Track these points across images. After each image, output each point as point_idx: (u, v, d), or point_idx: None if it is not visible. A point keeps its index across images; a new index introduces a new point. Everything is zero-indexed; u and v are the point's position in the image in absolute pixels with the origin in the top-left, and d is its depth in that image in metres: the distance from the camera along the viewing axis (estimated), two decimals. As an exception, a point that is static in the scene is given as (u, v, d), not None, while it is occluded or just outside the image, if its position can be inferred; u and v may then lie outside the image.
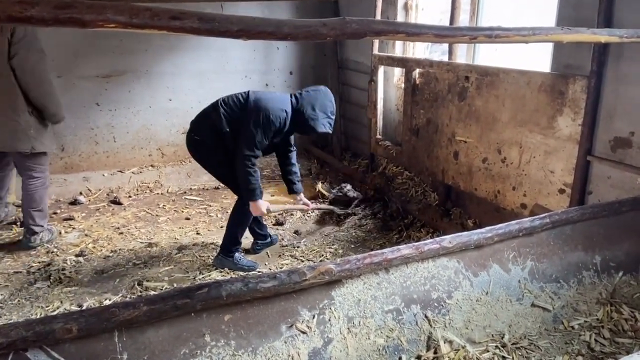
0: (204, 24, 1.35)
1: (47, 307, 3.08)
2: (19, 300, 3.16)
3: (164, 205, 4.95)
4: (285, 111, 3.31)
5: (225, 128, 3.32)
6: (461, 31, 1.92)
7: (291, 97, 3.43)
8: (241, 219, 3.54)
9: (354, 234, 4.27)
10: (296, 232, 4.30)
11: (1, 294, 3.21)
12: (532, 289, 2.24)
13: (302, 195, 3.91)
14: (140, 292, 3.26)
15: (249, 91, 3.43)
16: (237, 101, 3.38)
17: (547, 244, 2.33)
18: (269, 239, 3.99)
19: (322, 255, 3.85)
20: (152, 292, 3.23)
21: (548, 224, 2.30)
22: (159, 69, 5.50)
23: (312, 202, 4.16)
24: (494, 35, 1.89)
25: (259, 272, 3.57)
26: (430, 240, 2.09)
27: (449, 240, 2.09)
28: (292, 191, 3.88)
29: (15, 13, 1.16)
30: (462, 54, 4.15)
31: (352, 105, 5.90)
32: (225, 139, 3.36)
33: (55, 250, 3.89)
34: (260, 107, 3.25)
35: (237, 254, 3.59)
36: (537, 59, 3.54)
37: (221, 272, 3.53)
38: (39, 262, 3.67)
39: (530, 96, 3.27)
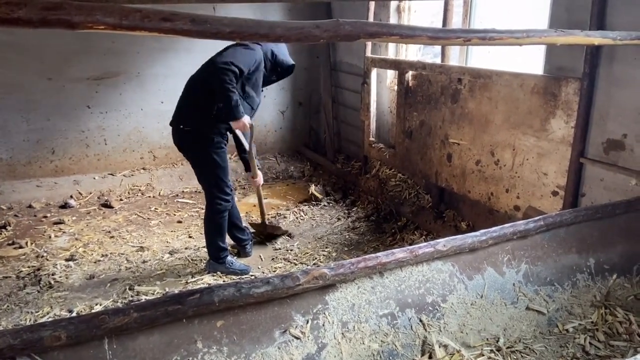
0: (195, 25, 1.33)
1: (36, 312, 3.04)
2: (8, 306, 3.11)
3: (155, 209, 4.90)
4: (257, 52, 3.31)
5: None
6: (455, 33, 1.91)
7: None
8: (215, 226, 3.48)
9: (347, 236, 4.26)
10: (289, 235, 4.28)
11: (-11, 300, 3.17)
12: (526, 292, 2.24)
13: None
14: (132, 296, 3.22)
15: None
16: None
17: (541, 247, 2.33)
18: (252, 237, 3.95)
19: (316, 259, 3.84)
20: (143, 297, 3.20)
21: (542, 227, 2.30)
22: (151, 71, 5.45)
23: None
24: (488, 37, 1.89)
25: (252, 276, 3.55)
26: (425, 243, 2.08)
27: (443, 243, 2.08)
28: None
29: (2, 15, 1.14)
30: (455, 56, 4.15)
31: (345, 107, 5.89)
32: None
33: (45, 254, 3.85)
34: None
35: (229, 258, 3.56)
36: (530, 61, 3.55)
37: (213, 276, 3.50)
38: (29, 267, 3.62)
39: (523, 98, 3.27)
